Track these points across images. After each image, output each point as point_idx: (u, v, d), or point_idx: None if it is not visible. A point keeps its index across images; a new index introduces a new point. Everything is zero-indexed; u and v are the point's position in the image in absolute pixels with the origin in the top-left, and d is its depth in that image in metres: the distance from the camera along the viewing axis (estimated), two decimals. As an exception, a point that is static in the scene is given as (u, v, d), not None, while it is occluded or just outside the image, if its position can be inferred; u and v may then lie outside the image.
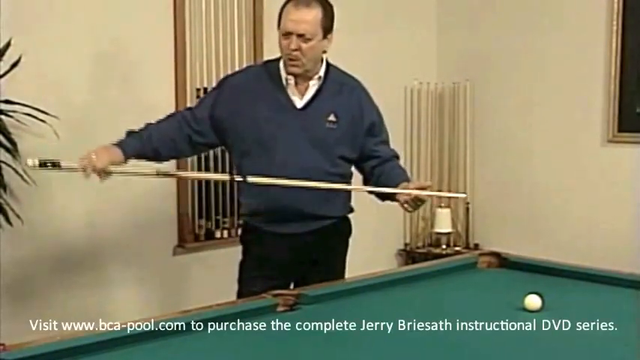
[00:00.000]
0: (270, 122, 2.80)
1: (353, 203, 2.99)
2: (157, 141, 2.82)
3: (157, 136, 2.83)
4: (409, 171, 4.94)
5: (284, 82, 2.83)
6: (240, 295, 2.85)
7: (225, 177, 2.80)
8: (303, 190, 2.76)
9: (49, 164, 2.60)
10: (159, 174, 2.77)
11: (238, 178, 2.75)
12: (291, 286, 2.79)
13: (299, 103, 2.83)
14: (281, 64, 2.85)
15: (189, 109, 3.00)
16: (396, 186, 2.77)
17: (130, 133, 2.83)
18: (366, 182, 2.96)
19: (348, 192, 2.95)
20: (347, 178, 2.94)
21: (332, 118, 2.84)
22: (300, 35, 2.72)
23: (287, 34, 2.74)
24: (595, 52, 4.34)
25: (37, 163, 2.58)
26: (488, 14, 4.82)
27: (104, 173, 2.66)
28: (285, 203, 2.80)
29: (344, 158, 2.88)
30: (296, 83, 2.82)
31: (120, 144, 2.77)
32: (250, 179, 2.71)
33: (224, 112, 2.83)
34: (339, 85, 2.89)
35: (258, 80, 2.87)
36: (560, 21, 4.50)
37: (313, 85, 2.84)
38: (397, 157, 2.99)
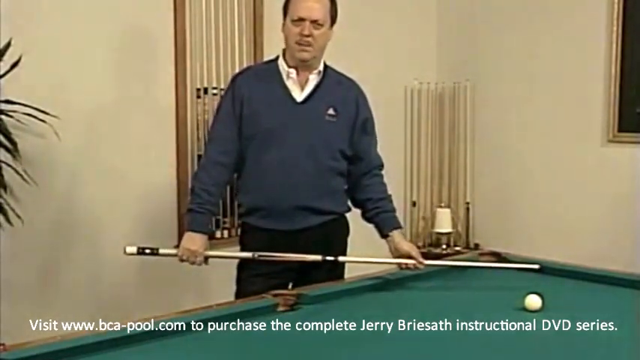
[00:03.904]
0: (271, 116, 2.83)
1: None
2: (216, 197, 2.92)
3: (216, 193, 2.89)
4: (409, 171, 4.97)
5: (284, 76, 2.86)
6: (238, 294, 2.85)
7: (317, 257, 2.84)
8: (302, 183, 2.81)
9: (147, 250, 2.80)
10: (254, 258, 2.79)
11: (329, 258, 2.80)
12: (290, 286, 2.79)
13: (299, 97, 2.86)
14: (280, 60, 2.89)
15: (218, 143, 2.91)
16: (388, 233, 2.90)
17: (193, 210, 2.85)
18: (349, 187, 2.98)
19: (345, 190, 2.97)
20: (344, 177, 2.95)
21: (331, 112, 2.87)
22: (312, 21, 2.77)
23: (300, 20, 2.77)
24: (595, 52, 4.33)
25: (134, 250, 2.77)
26: (489, 14, 4.82)
27: (204, 262, 2.85)
28: (286, 196, 2.81)
29: (342, 153, 2.91)
30: (297, 76, 2.85)
31: (199, 228, 2.84)
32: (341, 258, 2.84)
33: (241, 109, 2.86)
34: (337, 82, 2.94)
35: (257, 77, 2.92)
36: (561, 21, 4.50)
37: (313, 80, 2.87)
38: (382, 165, 3.03)
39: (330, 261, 2.80)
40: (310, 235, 2.86)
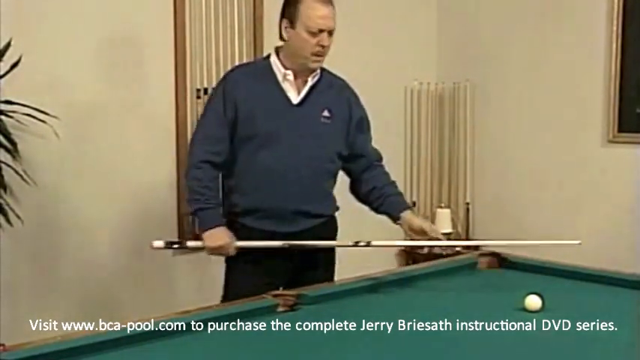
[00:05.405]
0: (267, 118, 2.81)
1: (350, 202, 3.02)
2: (216, 192, 2.89)
3: (214, 189, 2.87)
4: (409, 171, 4.97)
5: (280, 77, 2.84)
6: (225, 296, 2.83)
7: (349, 243, 2.78)
8: (298, 186, 2.80)
9: (175, 245, 2.78)
10: (284, 247, 2.76)
11: (362, 244, 2.80)
12: (281, 288, 2.77)
13: (295, 98, 2.85)
14: (274, 59, 2.86)
15: (209, 144, 2.85)
16: (398, 215, 2.87)
17: (202, 209, 2.81)
18: (353, 184, 2.99)
19: (333, 190, 2.97)
20: (335, 178, 2.96)
21: (326, 113, 2.86)
22: (328, 32, 2.76)
23: (319, 32, 2.74)
24: (595, 52, 4.34)
25: (162, 244, 2.76)
26: (489, 15, 4.82)
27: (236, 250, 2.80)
28: (282, 199, 2.81)
29: (339, 154, 2.91)
30: (294, 78, 2.84)
31: (215, 222, 2.80)
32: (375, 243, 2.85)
33: (234, 110, 2.81)
34: (330, 83, 2.93)
35: (251, 77, 2.88)
36: (561, 21, 4.50)
37: (309, 82, 2.86)
38: (381, 157, 3.03)
39: (332, 258, 2.86)
40: (304, 237, 2.84)
